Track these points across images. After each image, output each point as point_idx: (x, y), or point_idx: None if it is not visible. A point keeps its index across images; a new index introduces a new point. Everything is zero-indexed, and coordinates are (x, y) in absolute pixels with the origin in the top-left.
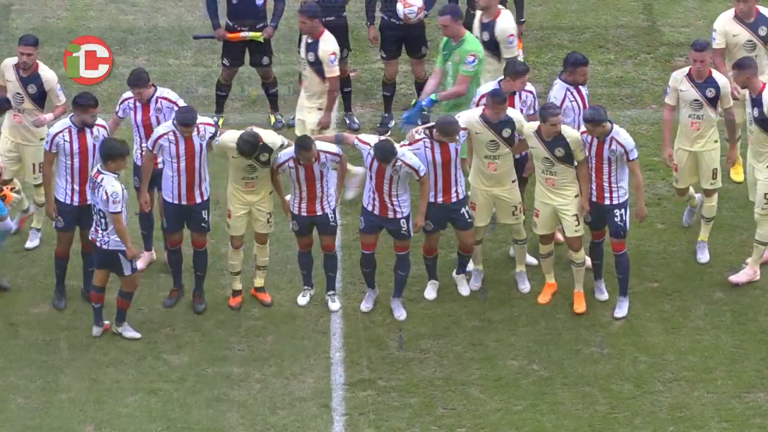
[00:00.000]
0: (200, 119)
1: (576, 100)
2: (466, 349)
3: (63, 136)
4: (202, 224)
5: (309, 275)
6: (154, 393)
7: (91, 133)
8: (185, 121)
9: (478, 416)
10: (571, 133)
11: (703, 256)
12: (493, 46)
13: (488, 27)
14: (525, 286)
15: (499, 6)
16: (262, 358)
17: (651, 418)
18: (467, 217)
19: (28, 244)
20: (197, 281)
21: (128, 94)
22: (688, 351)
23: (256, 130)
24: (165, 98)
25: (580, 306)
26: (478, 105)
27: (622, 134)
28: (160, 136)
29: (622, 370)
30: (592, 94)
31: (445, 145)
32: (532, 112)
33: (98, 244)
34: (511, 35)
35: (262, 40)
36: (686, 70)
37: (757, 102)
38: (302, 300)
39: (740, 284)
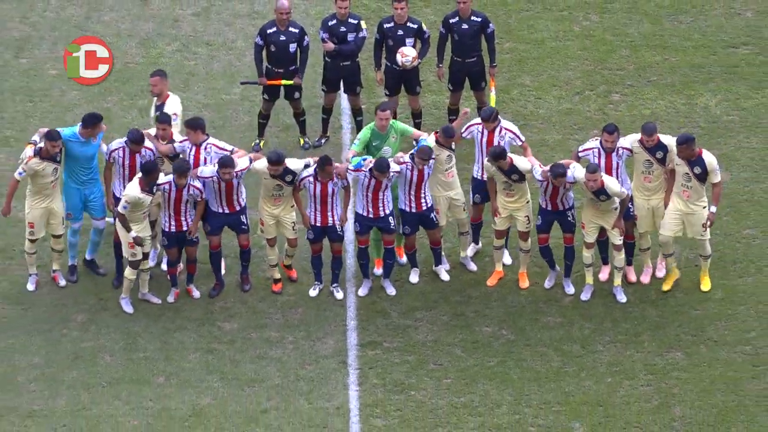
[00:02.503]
0: (238, 168)
1: (599, 158)
2: (451, 318)
3: (118, 152)
4: (242, 226)
5: (319, 273)
6: (211, 352)
7: (140, 155)
8: (224, 164)
9: (461, 370)
10: (523, 165)
11: (621, 297)
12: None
13: (159, 108)
14: (471, 267)
15: (169, 92)
16: (294, 325)
17: (593, 372)
18: (434, 220)
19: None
20: (243, 269)
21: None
22: (621, 320)
23: (288, 161)
24: (214, 145)
25: (523, 282)
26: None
27: (569, 179)
28: (206, 178)
29: (571, 334)
30: (547, 120)
31: (420, 170)
32: (515, 143)
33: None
34: (175, 114)
35: (293, 83)
36: (638, 136)
37: (698, 162)
38: (313, 292)
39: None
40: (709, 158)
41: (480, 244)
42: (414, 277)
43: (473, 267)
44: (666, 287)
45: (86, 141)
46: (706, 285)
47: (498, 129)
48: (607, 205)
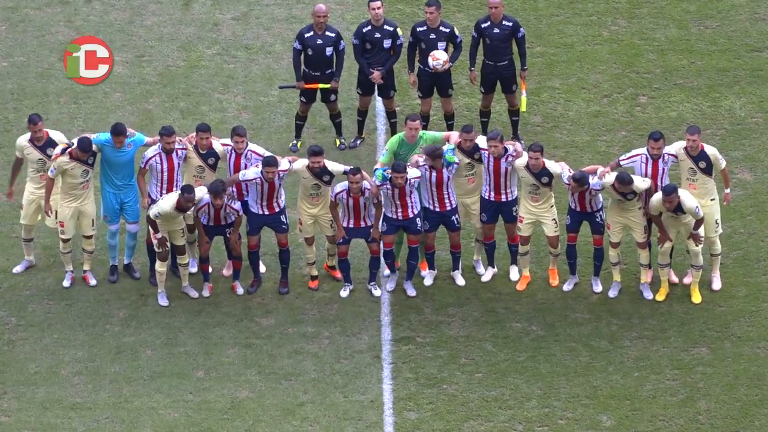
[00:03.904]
0: (280, 168)
1: (647, 165)
2: (482, 314)
3: (155, 159)
4: (282, 225)
5: (348, 275)
6: (249, 347)
7: (176, 154)
8: (269, 163)
9: (491, 364)
10: (555, 169)
11: (648, 294)
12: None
13: (49, 144)
14: (480, 270)
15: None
16: (329, 321)
17: (621, 366)
18: (456, 222)
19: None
20: (283, 271)
21: (227, 140)
22: (648, 316)
23: (326, 162)
24: (254, 152)
25: (554, 280)
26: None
27: (596, 186)
28: (250, 180)
29: (599, 330)
30: (576, 122)
31: (439, 171)
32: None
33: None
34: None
35: (329, 87)
36: (684, 143)
37: (703, 157)
38: (344, 293)
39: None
40: (711, 151)
41: (496, 268)
42: (428, 280)
43: (481, 270)
44: (660, 298)
45: (119, 148)
46: (696, 297)
47: (505, 157)
48: (632, 204)
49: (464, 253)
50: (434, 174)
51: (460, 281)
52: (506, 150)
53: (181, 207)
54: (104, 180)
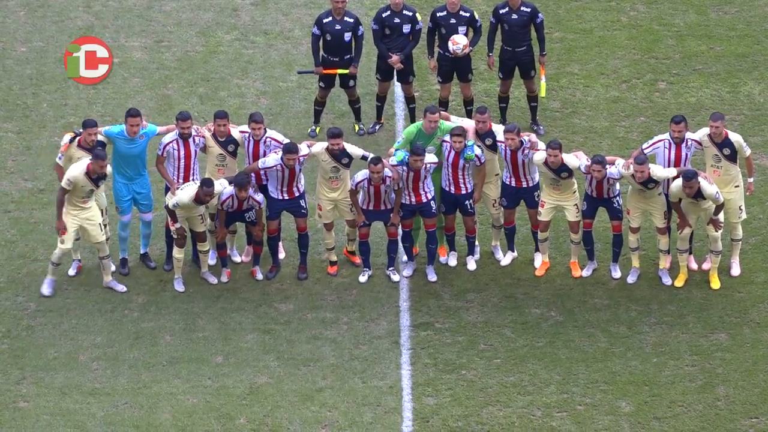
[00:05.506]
0: (300, 153)
1: (669, 150)
2: (501, 300)
3: (172, 145)
4: (302, 210)
5: (368, 259)
6: (268, 332)
7: (194, 141)
8: (290, 150)
9: (510, 350)
10: (573, 162)
11: (667, 280)
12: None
13: None
14: (499, 256)
15: None
16: (348, 306)
17: (639, 352)
18: (469, 207)
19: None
20: (302, 257)
21: (245, 127)
22: (667, 302)
23: (345, 144)
24: (273, 138)
25: (576, 271)
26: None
27: (614, 175)
28: (270, 167)
29: (618, 316)
30: (595, 108)
31: (457, 153)
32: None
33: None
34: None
35: (348, 72)
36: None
37: (727, 144)
38: (362, 278)
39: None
40: (735, 138)
41: (516, 253)
42: (452, 261)
43: (500, 255)
44: (679, 283)
45: (133, 139)
46: (715, 283)
47: (521, 149)
48: (653, 192)
49: (482, 239)
50: (452, 155)
51: (471, 266)
52: (522, 143)
53: (199, 200)
54: (115, 171)
